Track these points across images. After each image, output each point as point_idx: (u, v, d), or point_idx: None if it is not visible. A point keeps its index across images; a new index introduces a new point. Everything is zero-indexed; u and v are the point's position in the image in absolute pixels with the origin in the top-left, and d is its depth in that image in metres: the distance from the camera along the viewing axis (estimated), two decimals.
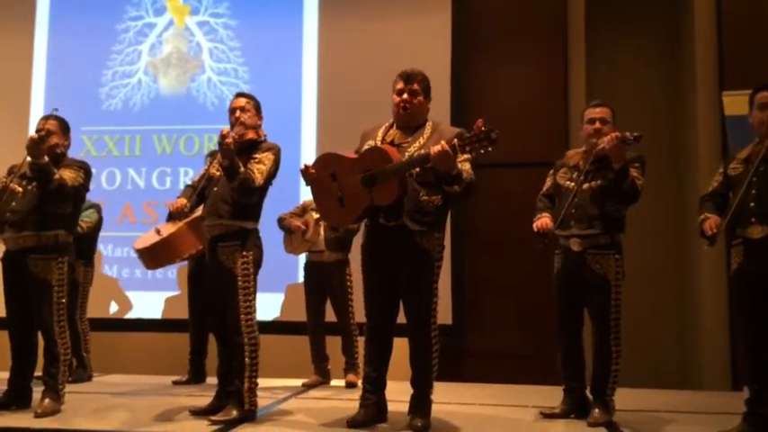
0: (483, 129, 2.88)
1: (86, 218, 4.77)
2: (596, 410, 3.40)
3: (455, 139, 2.94)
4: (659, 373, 5.69)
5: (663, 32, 6.26)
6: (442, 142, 2.96)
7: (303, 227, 4.74)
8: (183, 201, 3.51)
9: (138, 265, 5.20)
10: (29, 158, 3.51)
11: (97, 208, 5.00)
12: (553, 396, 3.65)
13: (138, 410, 3.67)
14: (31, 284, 3.57)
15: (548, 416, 3.54)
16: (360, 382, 3.94)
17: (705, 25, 5.67)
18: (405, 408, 3.26)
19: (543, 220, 3.53)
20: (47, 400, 3.49)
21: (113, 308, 5.93)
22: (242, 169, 3.31)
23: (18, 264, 3.58)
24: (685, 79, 5.98)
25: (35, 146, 3.43)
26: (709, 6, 5.68)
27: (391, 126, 3.32)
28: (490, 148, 2.89)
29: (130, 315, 5.93)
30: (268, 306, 5.40)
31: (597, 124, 3.50)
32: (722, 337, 5.39)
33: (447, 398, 3.89)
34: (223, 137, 3.25)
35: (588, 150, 3.50)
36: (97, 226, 4.98)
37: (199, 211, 3.79)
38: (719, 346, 5.39)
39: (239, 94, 3.67)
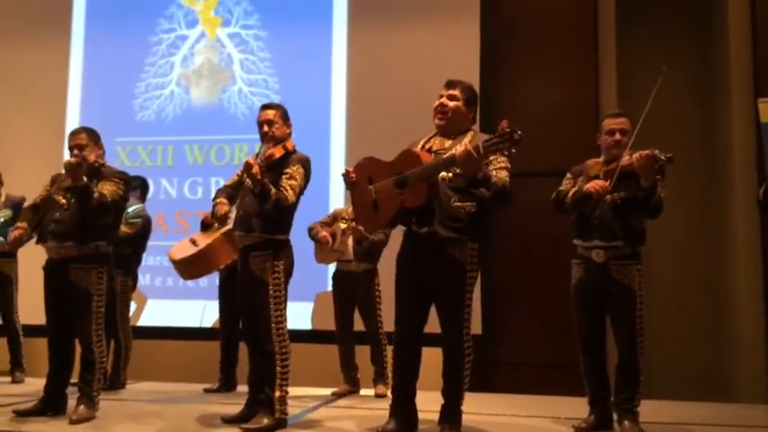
0: (507, 130, 2.88)
1: (128, 227, 4.74)
2: (626, 422, 3.36)
3: (480, 141, 2.95)
4: (691, 384, 5.59)
5: (695, 38, 6.18)
6: (466, 142, 2.98)
7: (329, 239, 4.74)
8: (225, 208, 3.53)
9: (171, 274, 5.28)
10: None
11: (145, 218, 4.99)
12: (586, 407, 3.61)
13: (170, 417, 3.72)
14: (71, 293, 3.64)
15: (580, 429, 3.50)
16: (389, 393, 3.94)
17: (739, 30, 5.59)
18: (435, 417, 3.25)
19: (598, 182, 3.34)
20: (81, 407, 3.55)
21: (144, 316, 6.02)
22: (273, 191, 3.34)
23: (59, 273, 3.65)
24: (718, 85, 5.90)
25: (74, 170, 3.48)
26: (742, 10, 5.60)
27: (434, 135, 3.34)
28: (514, 150, 2.87)
29: (162, 324, 6.00)
30: (297, 315, 5.43)
31: (617, 135, 3.46)
32: (759, 348, 5.28)
33: (477, 408, 3.86)
34: (249, 166, 3.28)
35: (609, 161, 3.47)
36: (140, 234, 4.93)
37: (232, 222, 3.82)
38: (755, 356, 5.29)
39: (265, 107, 3.67)
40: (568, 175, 3.66)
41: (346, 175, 3.36)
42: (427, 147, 3.27)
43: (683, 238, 5.86)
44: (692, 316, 5.87)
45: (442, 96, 3.28)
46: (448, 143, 3.23)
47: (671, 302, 5.74)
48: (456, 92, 3.27)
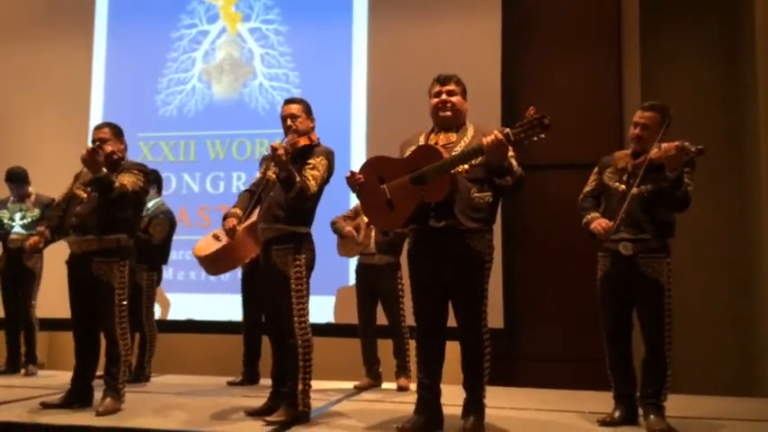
0: (535, 115, 2.84)
1: (155, 231, 4.83)
2: (652, 417, 3.33)
3: (507, 128, 2.91)
4: (718, 379, 5.52)
5: (721, 32, 6.08)
6: (495, 131, 2.94)
7: (354, 233, 4.75)
8: (234, 221, 3.54)
9: (193, 268, 5.32)
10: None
11: (168, 215, 5.02)
12: (611, 401, 3.58)
13: (195, 410, 3.75)
14: (93, 287, 3.68)
15: (605, 423, 3.47)
16: (411, 386, 3.94)
17: (766, 25, 5.48)
18: (456, 411, 3.23)
19: (602, 222, 3.39)
20: (108, 400, 3.59)
21: (169, 310, 6.07)
22: (298, 179, 3.34)
23: (82, 266, 3.69)
24: (746, 78, 5.79)
25: (90, 159, 3.50)
26: None
27: (432, 131, 3.32)
28: (543, 135, 2.84)
29: (186, 317, 6.05)
30: (319, 309, 5.44)
31: (638, 130, 3.41)
32: None
33: (500, 402, 3.85)
34: (274, 149, 3.27)
35: (635, 154, 3.42)
36: (169, 233, 4.99)
37: (254, 216, 3.83)
38: None
39: (288, 101, 3.68)
40: (595, 170, 3.62)
41: (351, 178, 3.30)
42: (433, 142, 3.23)
43: (712, 231, 5.78)
44: (720, 310, 5.80)
45: (440, 93, 3.26)
46: (453, 137, 3.21)
47: (701, 296, 5.67)
48: (453, 86, 3.26)
